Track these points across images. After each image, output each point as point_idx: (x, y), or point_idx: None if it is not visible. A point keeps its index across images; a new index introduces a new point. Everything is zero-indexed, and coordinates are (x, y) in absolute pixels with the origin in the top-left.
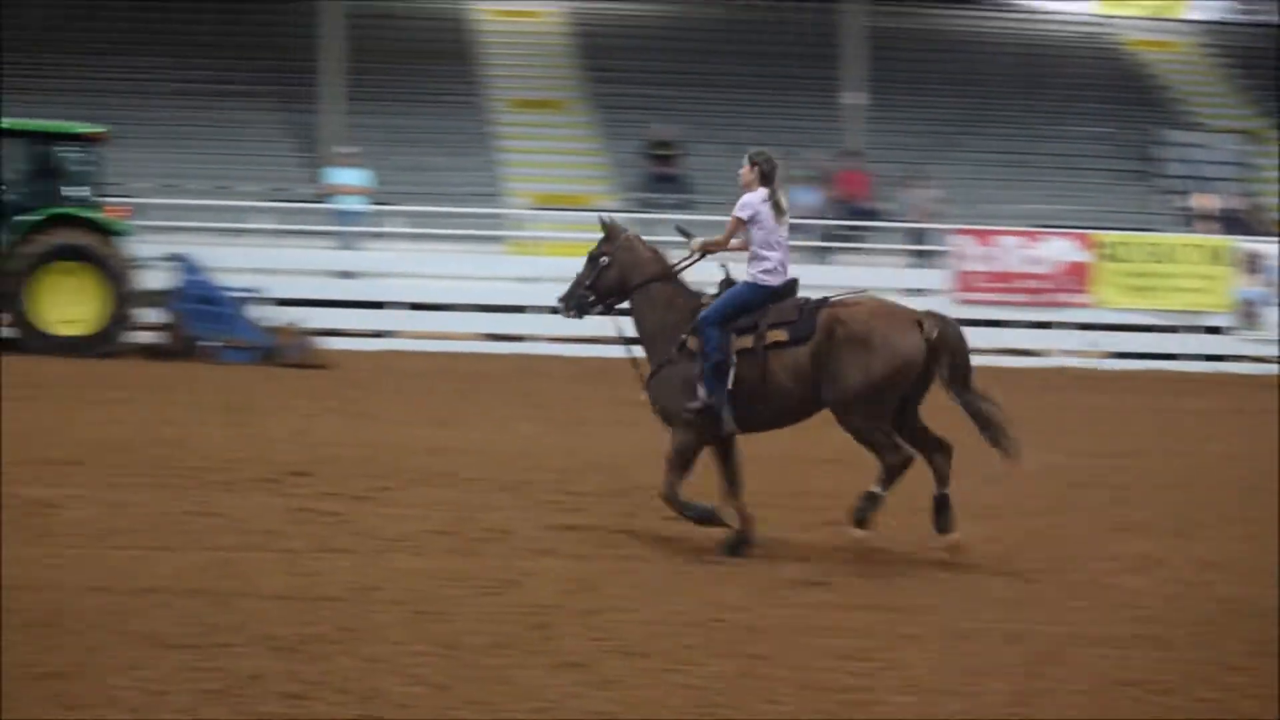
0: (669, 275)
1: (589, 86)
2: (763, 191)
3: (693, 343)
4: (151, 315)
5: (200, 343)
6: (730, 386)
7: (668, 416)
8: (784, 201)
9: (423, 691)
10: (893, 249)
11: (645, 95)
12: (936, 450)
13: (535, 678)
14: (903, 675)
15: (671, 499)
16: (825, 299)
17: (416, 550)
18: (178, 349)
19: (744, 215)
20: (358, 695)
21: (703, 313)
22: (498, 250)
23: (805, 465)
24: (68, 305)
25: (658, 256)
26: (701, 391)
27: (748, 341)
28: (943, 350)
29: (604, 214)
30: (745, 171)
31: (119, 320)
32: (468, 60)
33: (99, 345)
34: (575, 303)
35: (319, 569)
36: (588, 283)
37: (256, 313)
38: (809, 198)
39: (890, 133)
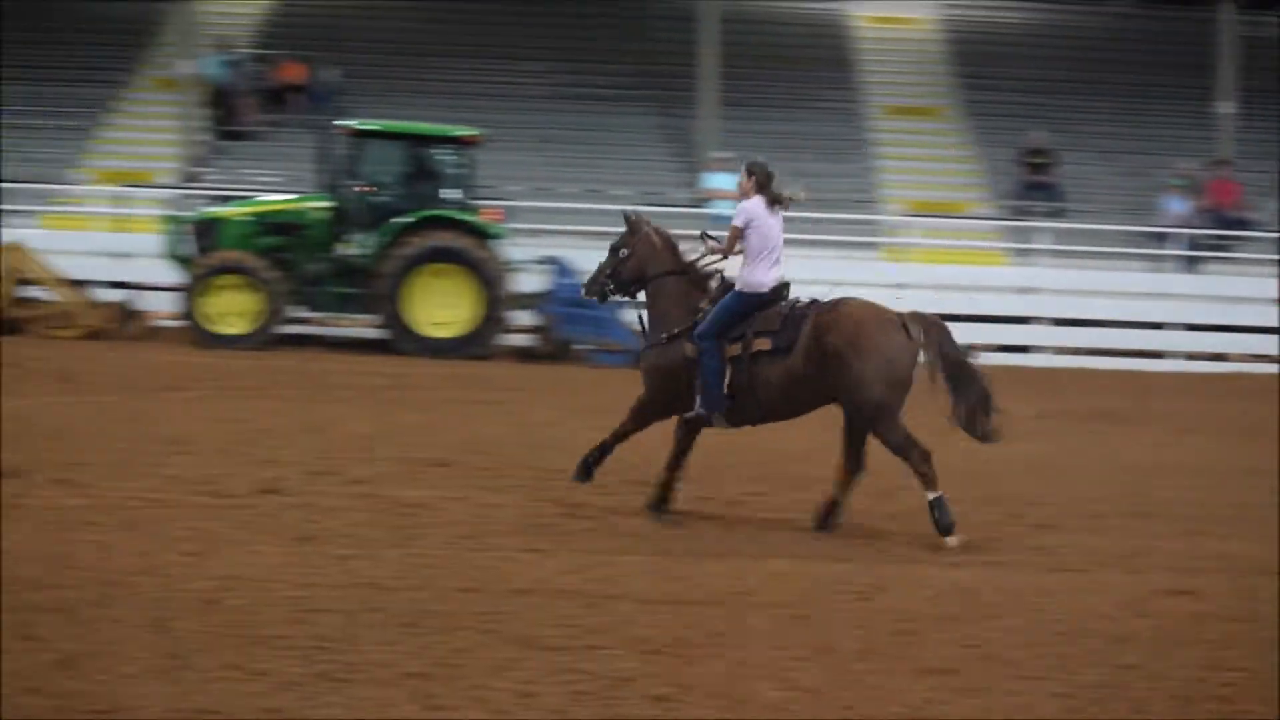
0: (683, 270)
1: (963, 93)
2: (759, 199)
3: (689, 349)
4: (524, 318)
5: (572, 346)
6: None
7: (646, 384)
8: (784, 204)
9: (793, 696)
10: (1262, 259)
11: (1018, 102)
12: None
13: (903, 683)
14: (1274, 688)
15: (603, 450)
16: (810, 303)
17: (788, 554)
18: (549, 352)
19: (740, 223)
20: (728, 699)
21: (699, 326)
22: (872, 256)
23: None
24: (440, 307)
25: (674, 252)
26: (699, 402)
27: (736, 349)
28: (930, 350)
29: (628, 210)
30: (743, 181)
31: (491, 323)
32: (843, 66)
33: (470, 347)
34: (597, 289)
35: (690, 572)
36: (608, 272)
37: (629, 316)
38: (1178, 207)
39: (1260, 141)
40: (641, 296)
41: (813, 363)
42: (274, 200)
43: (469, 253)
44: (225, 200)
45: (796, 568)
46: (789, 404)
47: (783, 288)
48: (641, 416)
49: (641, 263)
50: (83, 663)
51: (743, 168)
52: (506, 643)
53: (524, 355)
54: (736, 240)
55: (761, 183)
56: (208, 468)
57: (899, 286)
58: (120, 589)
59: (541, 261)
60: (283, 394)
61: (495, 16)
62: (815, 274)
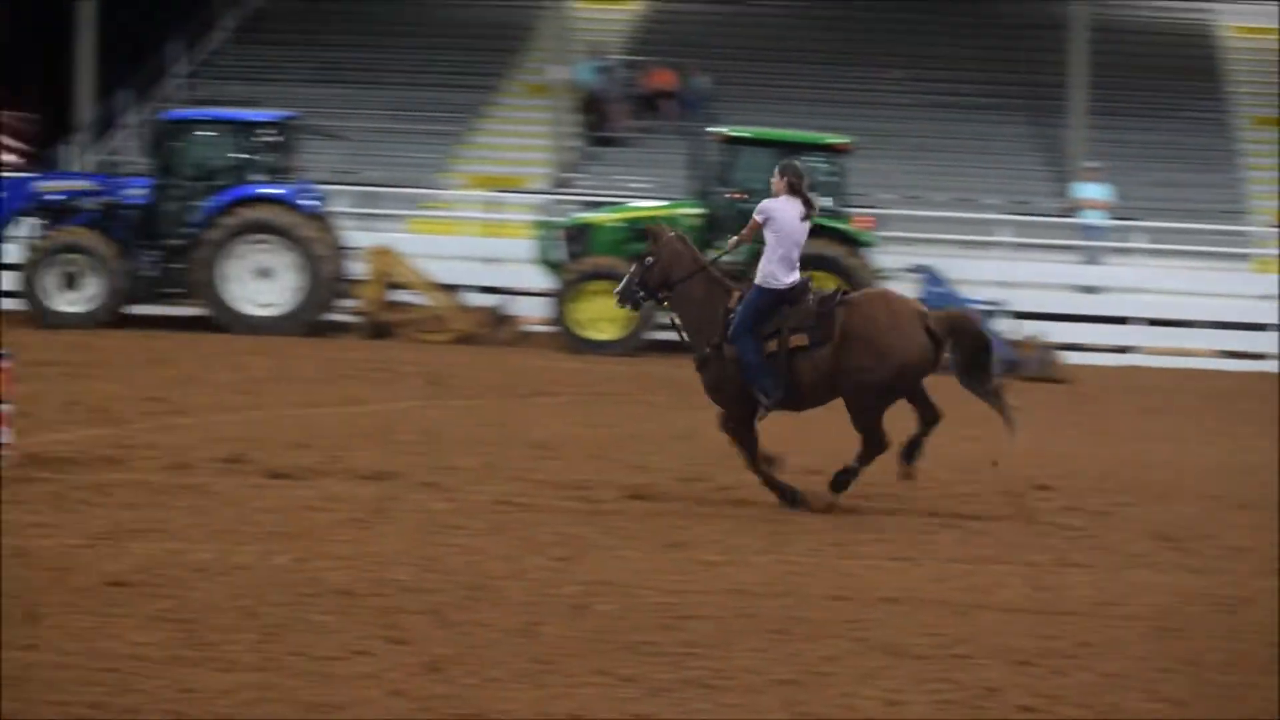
0: (703, 269)
1: None
2: (784, 199)
3: (729, 350)
4: None
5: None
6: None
7: (717, 401)
8: (813, 210)
9: (1161, 708)
10: None
11: None
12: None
13: (1271, 697)
14: None
15: (771, 484)
16: (836, 296)
17: (1154, 566)
18: None
19: (760, 218)
20: (1095, 710)
21: (731, 327)
22: (1240, 268)
23: None
24: None
25: (694, 255)
26: (762, 399)
27: (773, 345)
28: (955, 343)
29: (651, 224)
30: (776, 181)
31: None
32: (1211, 76)
33: None
34: (628, 296)
35: (1058, 583)
36: (637, 280)
37: (998, 326)
38: None
39: None
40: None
41: (843, 352)
42: (645, 206)
43: (840, 260)
44: (596, 206)
45: (1159, 578)
46: (830, 392)
47: (802, 285)
48: (744, 428)
49: (666, 268)
50: (449, 666)
51: (776, 168)
52: (874, 651)
53: None
54: (755, 231)
55: (793, 184)
56: (576, 473)
57: (1264, 298)
58: (488, 593)
59: (912, 270)
60: (652, 400)
61: (865, 23)
62: (1182, 285)
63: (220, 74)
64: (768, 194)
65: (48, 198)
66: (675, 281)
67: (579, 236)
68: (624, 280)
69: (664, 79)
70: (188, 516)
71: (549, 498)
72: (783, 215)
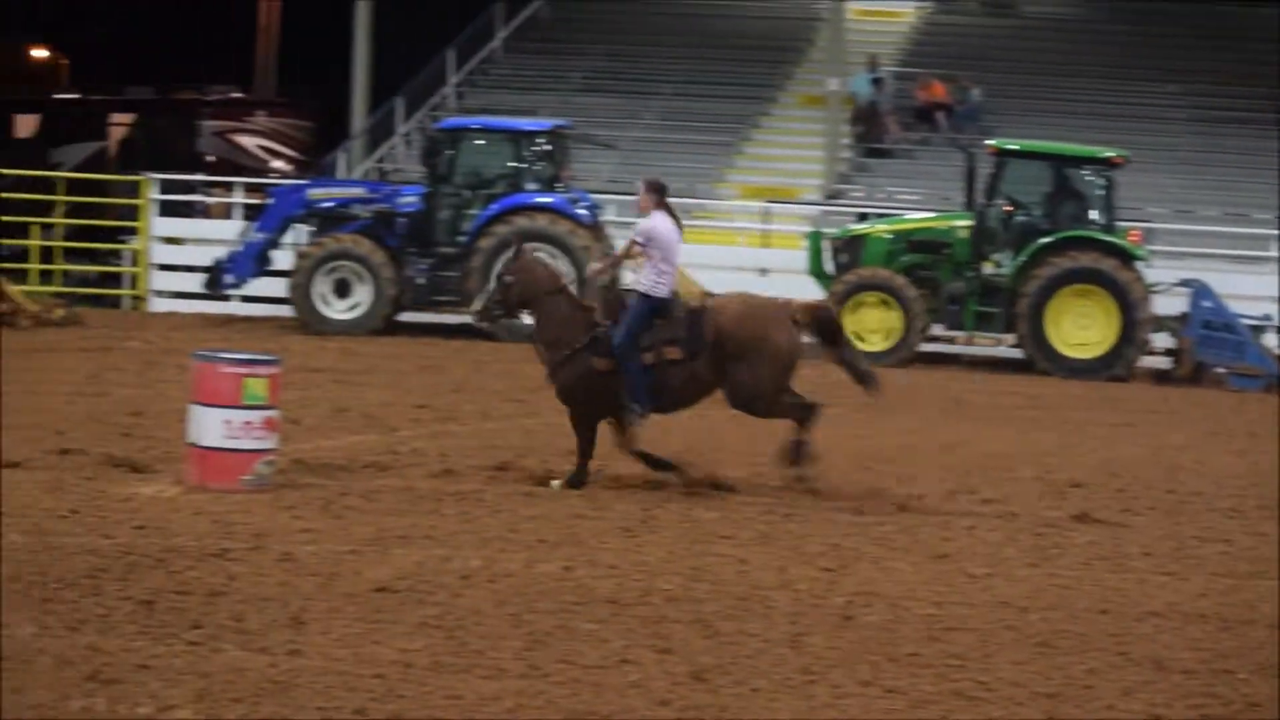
0: (560, 291)
1: None
2: (658, 215)
3: (598, 363)
4: (1162, 340)
5: (1208, 369)
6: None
7: (569, 403)
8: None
9: None
10: None
11: None
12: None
13: None
14: None
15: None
16: (703, 305)
17: None
18: (1186, 375)
19: (641, 240)
20: None
21: (616, 338)
22: None
23: None
24: (1080, 328)
25: (552, 275)
26: (637, 407)
27: (649, 358)
28: (817, 333)
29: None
30: (643, 199)
31: (1130, 345)
32: None
33: (1108, 369)
34: (486, 314)
35: None
36: (497, 297)
37: (1268, 341)
38: None
39: None
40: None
41: (715, 360)
42: (917, 218)
43: (1111, 274)
44: (868, 217)
45: None
46: (699, 394)
47: (672, 298)
48: (585, 431)
49: (523, 286)
50: (714, 675)
51: (641, 184)
52: (1138, 665)
53: (1160, 378)
54: (631, 251)
55: (659, 200)
56: (844, 483)
57: None
58: (755, 603)
59: (1181, 284)
60: (920, 412)
61: (1138, 36)
62: None
63: (494, 83)
64: (1039, 207)
65: (320, 205)
66: (533, 299)
67: (850, 248)
68: (484, 298)
69: (938, 91)
70: (455, 524)
71: (816, 508)
72: (660, 231)
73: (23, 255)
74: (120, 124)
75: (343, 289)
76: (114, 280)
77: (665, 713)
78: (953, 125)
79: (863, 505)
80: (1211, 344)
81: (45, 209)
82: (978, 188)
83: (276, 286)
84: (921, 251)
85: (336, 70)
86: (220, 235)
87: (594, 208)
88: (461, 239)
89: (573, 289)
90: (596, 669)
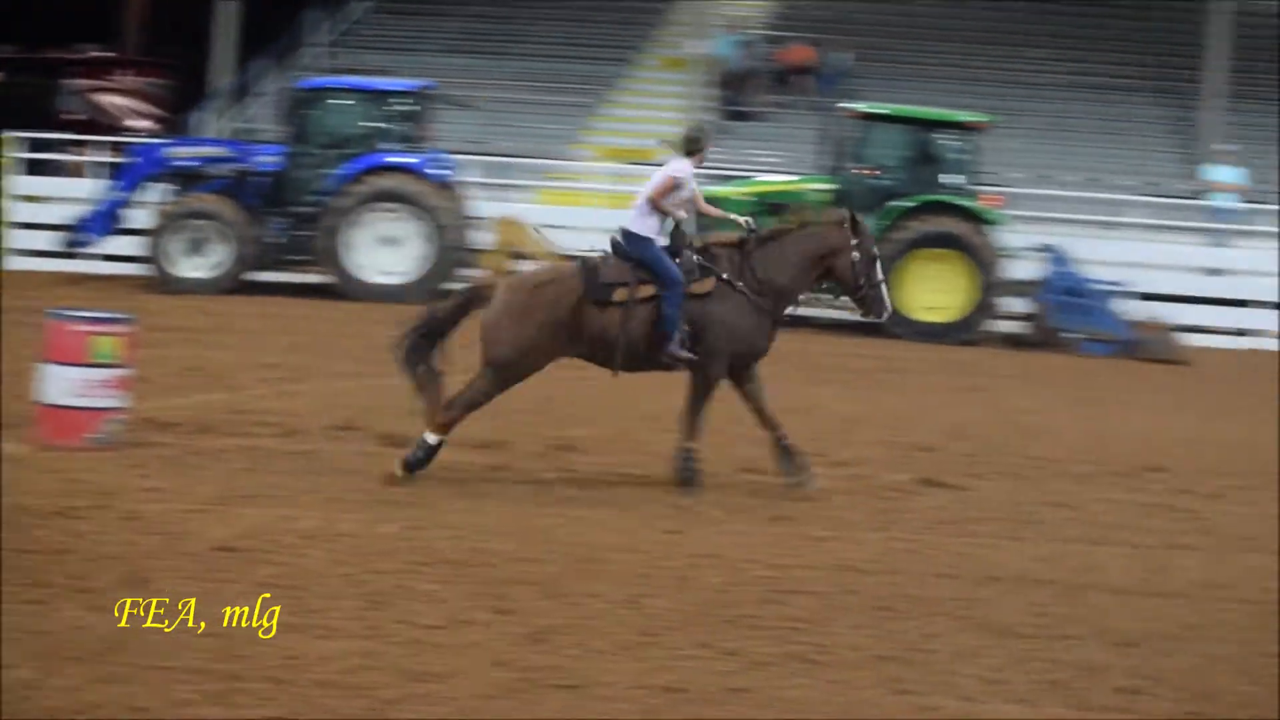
0: None
1: None
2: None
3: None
4: (1016, 305)
5: (1061, 334)
6: None
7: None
8: None
9: (1260, 692)
10: None
11: None
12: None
13: None
14: None
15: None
16: None
17: (1267, 549)
18: (1039, 340)
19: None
20: (1194, 693)
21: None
22: None
23: None
24: (934, 292)
25: None
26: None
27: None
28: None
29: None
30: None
31: (983, 309)
32: None
33: (961, 333)
34: None
35: (1167, 564)
36: None
37: (1121, 307)
38: None
39: None
40: None
41: None
42: (775, 181)
43: (965, 238)
44: (726, 180)
45: (1270, 562)
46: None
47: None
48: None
49: None
50: (553, 636)
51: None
52: (977, 629)
53: (1013, 342)
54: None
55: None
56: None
57: None
58: (596, 565)
59: (1038, 249)
60: (771, 374)
61: (1003, 3)
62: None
63: (359, 44)
64: (898, 171)
65: (179, 163)
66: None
67: None
68: None
69: (803, 55)
70: (299, 483)
71: (662, 470)
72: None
73: None
74: None
75: (199, 248)
76: None
77: (503, 673)
78: (817, 89)
79: (708, 468)
80: (1066, 309)
81: None
82: (838, 151)
83: (135, 245)
84: (777, 214)
85: (202, 28)
86: (80, 194)
87: (452, 168)
88: (318, 198)
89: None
90: (435, 629)
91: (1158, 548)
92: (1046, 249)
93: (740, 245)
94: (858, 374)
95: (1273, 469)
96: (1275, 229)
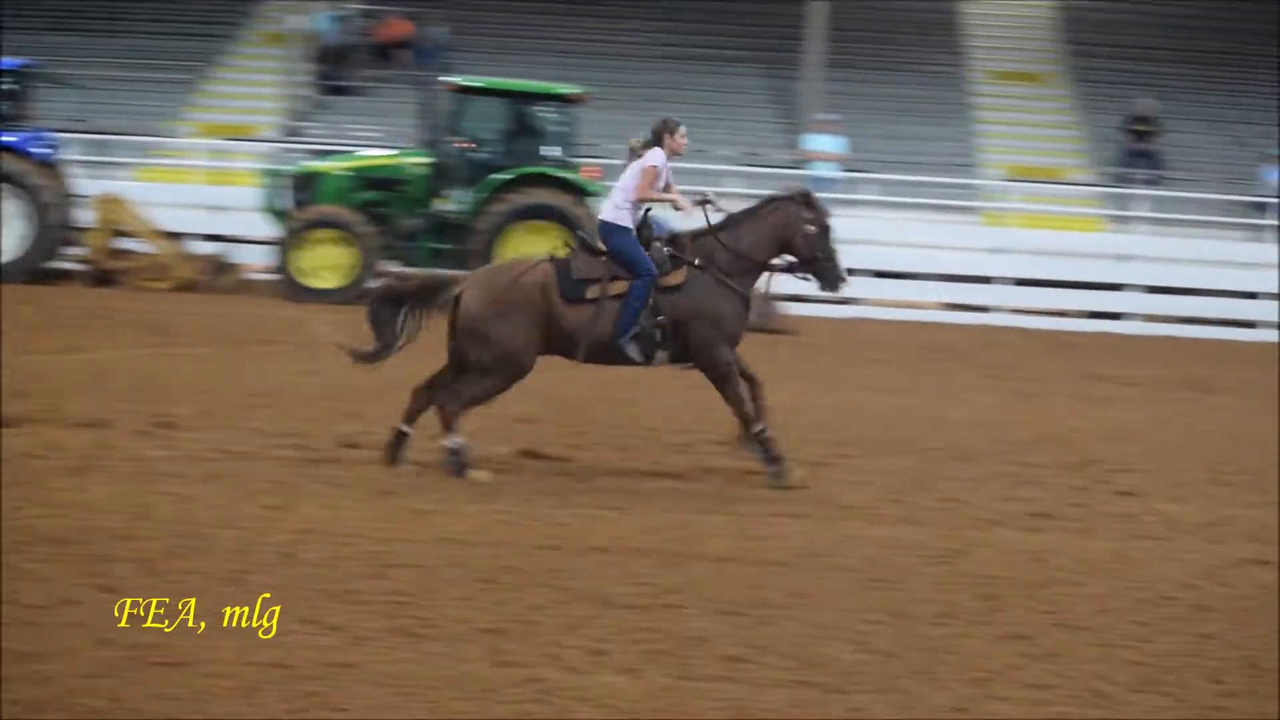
0: None
1: (1070, 60)
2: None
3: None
4: None
5: None
6: None
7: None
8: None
9: (867, 659)
10: None
11: (1126, 70)
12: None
13: (979, 648)
14: None
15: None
16: None
17: (869, 517)
18: None
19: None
20: (802, 661)
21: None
22: (970, 221)
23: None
24: None
25: None
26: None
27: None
28: None
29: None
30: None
31: None
32: (950, 30)
33: None
34: None
35: (771, 533)
36: None
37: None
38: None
39: None
40: None
41: None
42: (373, 155)
43: (565, 209)
44: (325, 155)
45: (873, 530)
46: None
47: None
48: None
49: None
50: (158, 615)
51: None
52: (582, 600)
53: None
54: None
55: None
56: (291, 421)
57: (995, 251)
58: (199, 541)
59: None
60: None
61: None
62: (912, 237)
63: None
64: (497, 143)
65: None
66: None
67: (305, 185)
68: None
69: (400, 29)
70: None
71: (263, 446)
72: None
73: None
74: None
75: None
76: None
77: (107, 652)
78: (415, 63)
79: (310, 443)
80: None
81: None
82: (436, 125)
83: None
84: (377, 188)
85: None
86: None
87: (55, 147)
88: None
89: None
90: (38, 609)
91: (760, 516)
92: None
93: (706, 233)
94: None
95: (879, 438)
96: (876, 198)
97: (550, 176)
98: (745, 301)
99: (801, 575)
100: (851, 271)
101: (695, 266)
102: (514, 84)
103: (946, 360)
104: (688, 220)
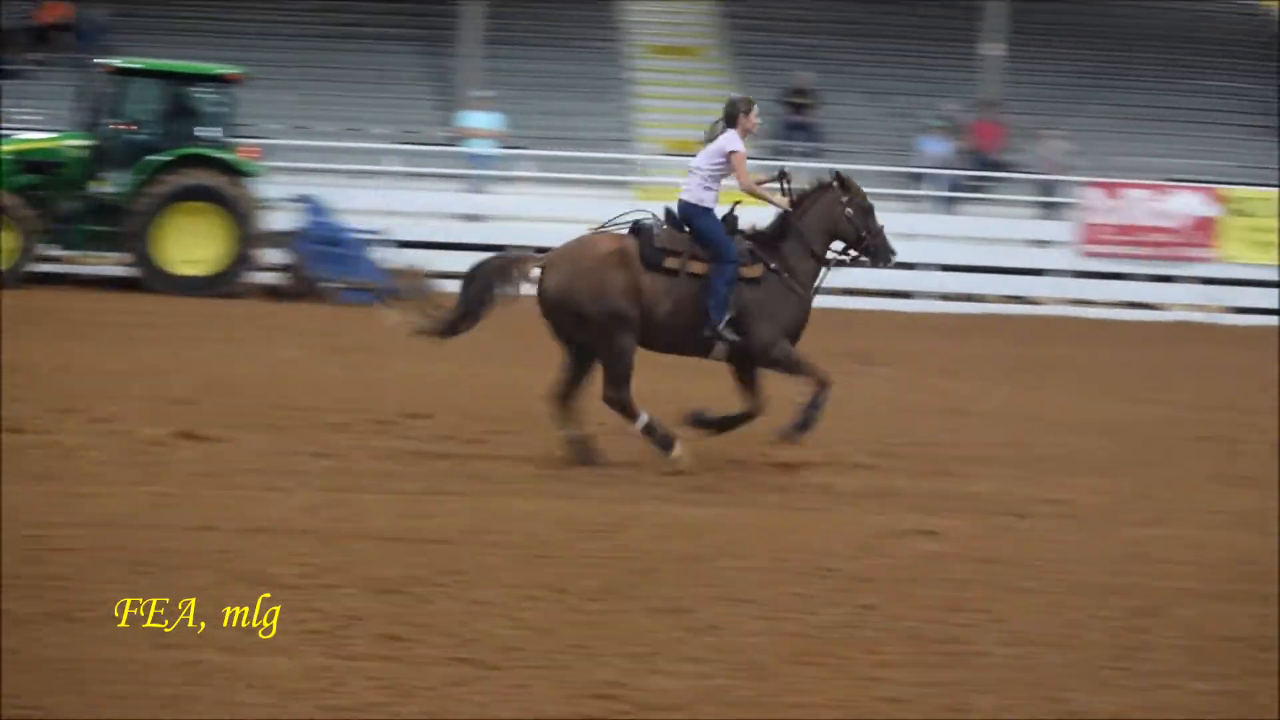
0: None
1: (727, 33)
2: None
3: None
4: (275, 256)
5: (320, 284)
6: None
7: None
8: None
9: (526, 635)
10: (1019, 200)
11: (783, 43)
12: None
13: (638, 622)
14: (1006, 627)
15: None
16: None
17: (527, 493)
18: (298, 290)
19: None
20: (460, 639)
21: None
22: (626, 195)
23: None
24: (192, 245)
25: None
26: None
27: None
28: None
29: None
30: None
31: (241, 261)
32: (607, 5)
33: (220, 285)
34: None
35: (430, 510)
36: None
37: (379, 255)
38: (939, 148)
39: (1026, 84)
40: None
41: None
42: (32, 139)
43: (222, 190)
44: None
45: (531, 505)
46: None
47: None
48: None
49: None
50: None
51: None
52: (239, 581)
53: (273, 293)
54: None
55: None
56: None
57: None
58: None
59: (296, 200)
60: (32, 332)
61: None
62: (569, 213)
63: None
64: (154, 125)
65: None
66: None
67: None
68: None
69: (60, 11)
70: None
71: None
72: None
73: None
74: None
75: None
76: None
77: None
78: (76, 45)
79: None
80: (324, 259)
81: None
82: (96, 107)
83: None
84: (35, 172)
85: None
86: None
87: None
88: None
89: None
90: None
91: (421, 494)
92: (304, 199)
93: (777, 233)
94: (116, 329)
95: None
96: (534, 174)
97: (208, 158)
98: (808, 304)
99: (461, 552)
100: (508, 249)
101: (771, 270)
102: (171, 65)
103: None
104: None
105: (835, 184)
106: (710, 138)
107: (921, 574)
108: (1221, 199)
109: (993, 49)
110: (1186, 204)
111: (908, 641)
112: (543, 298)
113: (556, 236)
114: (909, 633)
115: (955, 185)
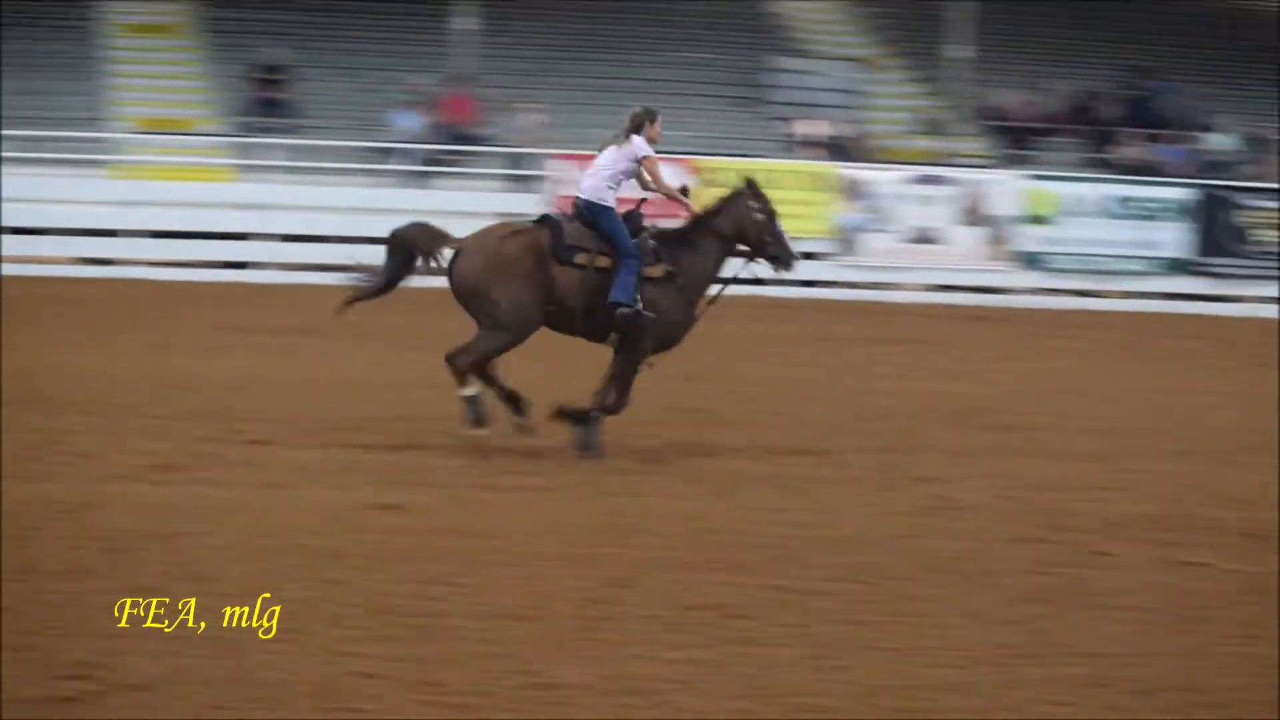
0: None
1: (201, 10)
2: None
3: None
4: None
5: None
6: None
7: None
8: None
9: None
10: (491, 173)
11: (256, 19)
12: None
13: (110, 603)
14: (477, 599)
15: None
16: None
17: (6, 474)
18: None
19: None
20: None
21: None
22: (99, 174)
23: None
24: None
25: None
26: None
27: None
28: None
29: None
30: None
31: None
32: None
33: None
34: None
35: None
36: None
37: None
38: (410, 122)
39: (501, 58)
40: None
41: None
42: None
43: None
44: None
45: (6, 487)
46: None
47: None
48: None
49: None
50: None
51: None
52: None
53: None
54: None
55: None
56: None
57: (127, 204)
58: None
59: None
60: None
61: None
62: (43, 193)
63: None
64: None
65: None
66: None
67: None
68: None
69: None
70: None
71: None
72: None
73: None
74: None
75: None
76: None
77: None
78: None
79: None
80: None
81: None
82: None
83: None
84: None
85: None
86: None
87: None
88: None
89: None
90: None
91: None
92: None
93: (684, 235)
94: None
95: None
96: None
97: None
98: (694, 315)
99: None
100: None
101: (670, 272)
102: None
103: (85, 314)
104: None
105: (747, 190)
106: (614, 143)
107: (388, 548)
108: (696, 169)
109: (465, 23)
110: (662, 174)
111: (377, 616)
112: (455, 283)
113: (36, 217)
114: (379, 607)
115: (427, 159)
